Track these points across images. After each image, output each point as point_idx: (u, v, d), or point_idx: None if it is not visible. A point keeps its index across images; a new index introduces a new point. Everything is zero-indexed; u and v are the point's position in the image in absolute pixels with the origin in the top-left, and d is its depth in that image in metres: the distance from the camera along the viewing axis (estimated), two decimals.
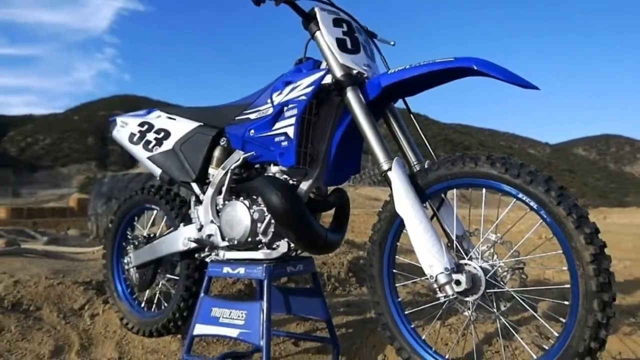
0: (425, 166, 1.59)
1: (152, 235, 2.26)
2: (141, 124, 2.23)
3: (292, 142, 1.65)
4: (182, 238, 2.01)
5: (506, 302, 1.44)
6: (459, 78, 1.53)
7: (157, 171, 2.13)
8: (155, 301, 2.31)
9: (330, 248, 1.85)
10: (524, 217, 1.46)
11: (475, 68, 1.39)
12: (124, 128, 2.29)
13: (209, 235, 1.90)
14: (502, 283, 1.42)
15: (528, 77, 1.37)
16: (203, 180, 2.00)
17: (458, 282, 1.39)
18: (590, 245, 1.25)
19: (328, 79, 1.66)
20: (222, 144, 1.98)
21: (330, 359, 1.93)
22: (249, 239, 1.79)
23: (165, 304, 2.21)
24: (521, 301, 1.43)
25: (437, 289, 1.41)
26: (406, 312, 1.65)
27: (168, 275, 2.25)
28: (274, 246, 1.79)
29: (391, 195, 1.53)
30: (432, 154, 1.65)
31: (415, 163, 1.67)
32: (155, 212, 2.31)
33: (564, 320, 1.32)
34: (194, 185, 2.01)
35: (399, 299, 1.65)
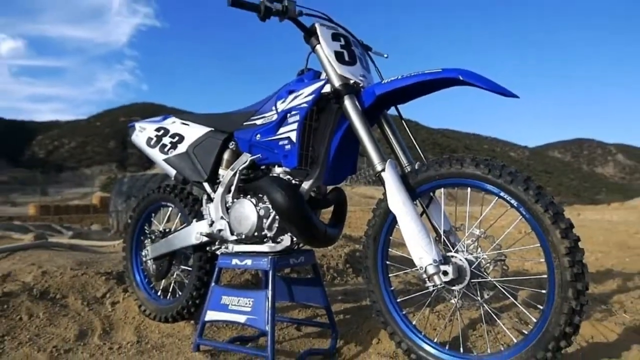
0: (416, 167, 1.58)
1: (167, 230, 2.26)
2: (157, 129, 2.23)
3: (295, 146, 1.65)
4: (195, 233, 2.01)
5: (489, 291, 1.44)
6: (446, 87, 1.53)
7: (172, 172, 2.13)
8: (170, 290, 2.31)
9: (330, 242, 1.85)
10: (506, 214, 1.46)
11: (461, 78, 1.39)
12: (142, 133, 2.29)
13: (219, 230, 1.90)
14: (485, 273, 1.42)
15: (508, 86, 1.37)
16: (214, 180, 2.00)
17: (445, 273, 1.39)
18: (566, 239, 1.25)
19: (327, 88, 1.66)
20: (231, 147, 1.98)
21: (329, 342, 1.93)
22: (256, 234, 1.79)
23: (180, 293, 2.21)
24: (503, 290, 1.43)
25: (426, 279, 1.41)
26: (398, 300, 1.65)
27: (182, 267, 2.25)
28: (278, 240, 1.79)
29: (385, 194, 1.52)
30: (422, 156, 1.65)
31: (406, 164, 1.67)
32: (170, 209, 2.31)
33: (541, 307, 1.33)
34: (206, 185, 2.01)
35: (392, 288, 1.65)
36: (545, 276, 1.31)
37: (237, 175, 1.86)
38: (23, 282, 2.46)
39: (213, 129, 2.05)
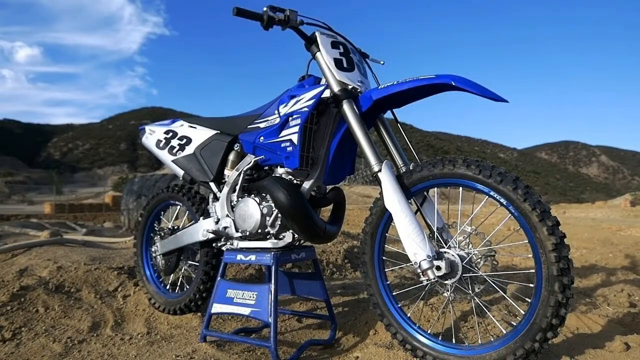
0: (410, 168, 1.58)
1: (176, 228, 2.26)
2: (166, 132, 2.23)
3: (296, 148, 1.65)
4: (202, 230, 2.01)
5: (480, 285, 1.44)
6: (439, 92, 1.53)
7: (180, 172, 2.13)
8: (178, 284, 2.32)
9: (329, 238, 1.85)
10: (495, 212, 1.45)
11: (454, 84, 1.39)
12: (152, 135, 2.29)
13: (225, 227, 1.90)
14: (476, 268, 1.42)
15: (498, 91, 1.38)
16: (219, 180, 2.00)
17: (438, 268, 1.39)
18: (552, 235, 1.25)
19: (327, 93, 1.66)
20: (236, 149, 1.98)
21: (329, 333, 1.93)
22: (259, 231, 1.79)
23: (187, 287, 2.21)
24: (493, 284, 1.43)
25: (421, 274, 1.41)
26: (394, 294, 1.65)
27: (189, 262, 2.25)
28: (281, 236, 1.79)
29: (381, 193, 1.52)
30: (416, 157, 1.65)
31: (401, 165, 1.67)
32: (178, 207, 2.31)
33: (529, 300, 1.32)
34: (212, 185, 2.01)
35: (388, 282, 1.65)
36: (533, 271, 1.31)
37: (242, 175, 1.86)
38: (39, 277, 2.46)
39: (219, 131, 2.05)
